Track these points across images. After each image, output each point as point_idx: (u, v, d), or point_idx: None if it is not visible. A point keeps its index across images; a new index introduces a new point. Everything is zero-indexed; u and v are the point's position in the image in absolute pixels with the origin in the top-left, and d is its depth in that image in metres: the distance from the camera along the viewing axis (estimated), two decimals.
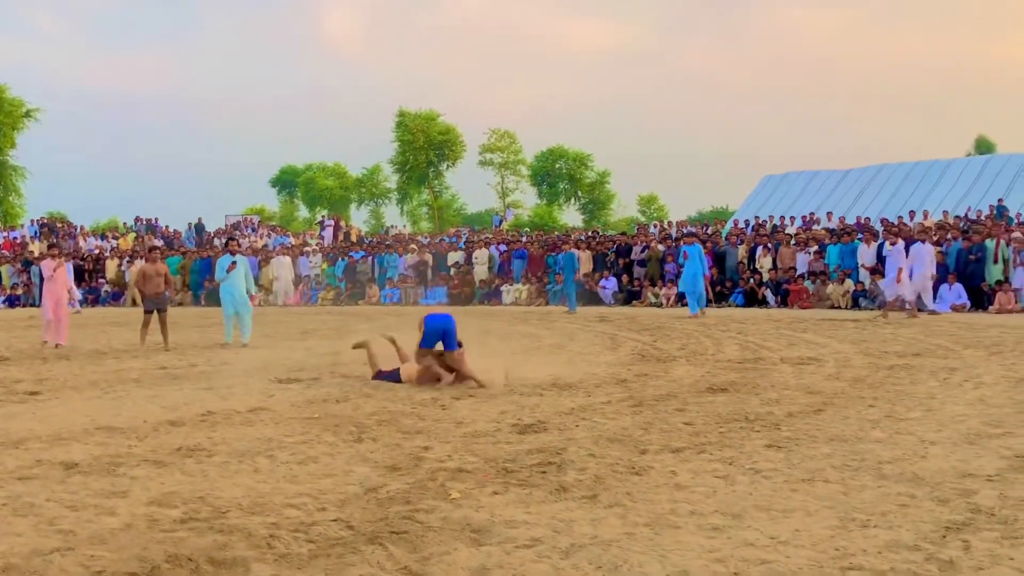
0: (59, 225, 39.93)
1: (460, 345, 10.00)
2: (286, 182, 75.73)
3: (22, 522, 5.00)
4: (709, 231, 28.94)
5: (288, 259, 29.66)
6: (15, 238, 37.76)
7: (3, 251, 34.98)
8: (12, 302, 31.10)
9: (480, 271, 28.75)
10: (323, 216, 49.99)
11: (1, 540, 4.65)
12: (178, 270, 30.98)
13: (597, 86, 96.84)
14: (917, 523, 4.80)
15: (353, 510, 5.22)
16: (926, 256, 19.34)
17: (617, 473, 5.98)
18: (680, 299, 24.48)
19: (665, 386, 9.83)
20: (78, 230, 39.50)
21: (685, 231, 30.34)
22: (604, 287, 25.94)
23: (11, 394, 9.87)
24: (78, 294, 14.85)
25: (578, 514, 5.07)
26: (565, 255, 24.25)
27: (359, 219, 69.92)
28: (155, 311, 14.42)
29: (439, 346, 10.03)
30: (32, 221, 42.04)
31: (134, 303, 15.03)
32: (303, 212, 74.15)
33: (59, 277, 15.34)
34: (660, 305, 24.13)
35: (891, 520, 4.86)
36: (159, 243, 37.56)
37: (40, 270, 15.47)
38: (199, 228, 39.81)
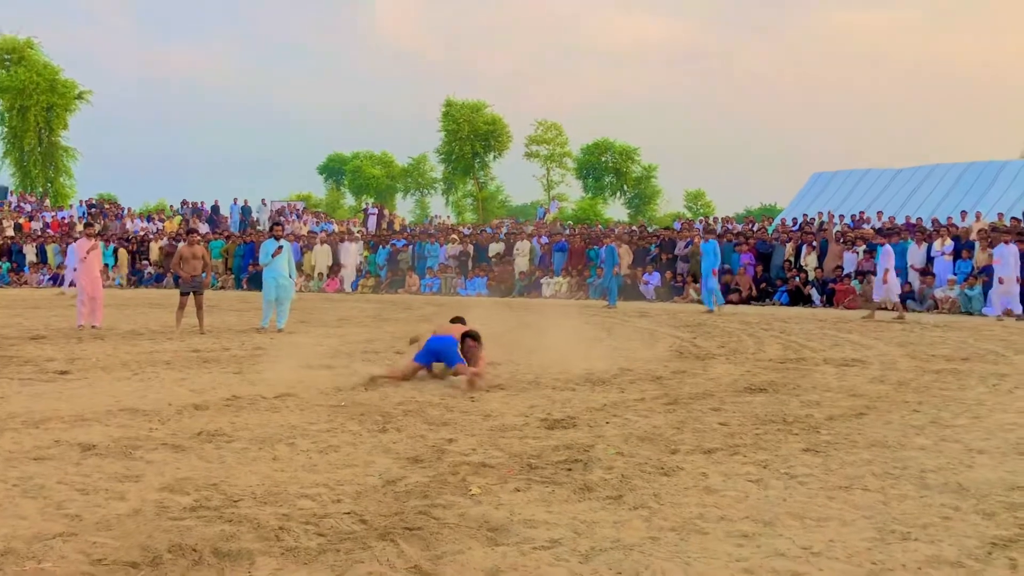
0: (107, 207, 40.47)
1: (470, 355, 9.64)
2: (333, 170, 76.28)
3: (30, 504, 4.90)
4: (755, 228, 28.41)
5: (354, 245, 29.61)
6: (63, 218, 38.32)
7: (51, 231, 35.50)
8: (57, 281, 31.54)
9: (520, 263, 28.52)
10: (367, 204, 50.10)
11: (5, 522, 4.55)
12: (221, 253, 31.23)
13: (646, 80, 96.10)
14: (961, 537, 4.51)
15: (368, 503, 5.05)
16: (1010, 257, 18.73)
17: (645, 473, 5.74)
18: (723, 296, 24.09)
19: (702, 384, 9.55)
20: (125, 212, 39.97)
21: (703, 227, 29.90)
22: (647, 282, 25.60)
23: (41, 373, 9.87)
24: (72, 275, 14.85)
25: (601, 515, 4.85)
26: (606, 249, 23.95)
27: (404, 209, 70.20)
28: (192, 293, 14.43)
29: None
30: (80, 202, 42.70)
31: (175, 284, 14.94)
32: (349, 200, 74.54)
33: (93, 258, 15.36)
34: (702, 302, 23.72)
35: (933, 533, 4.57)
36: (204, 227, 37.89)
37: (74, 249, 15.46)
38: (245, 211, 40.00)
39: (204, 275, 14.71)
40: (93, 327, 14.89)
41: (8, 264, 33.86)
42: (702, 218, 39.51)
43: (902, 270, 22.31)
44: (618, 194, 67.00)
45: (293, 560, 4.17)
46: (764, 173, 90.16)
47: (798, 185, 43.61)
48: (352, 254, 29.04)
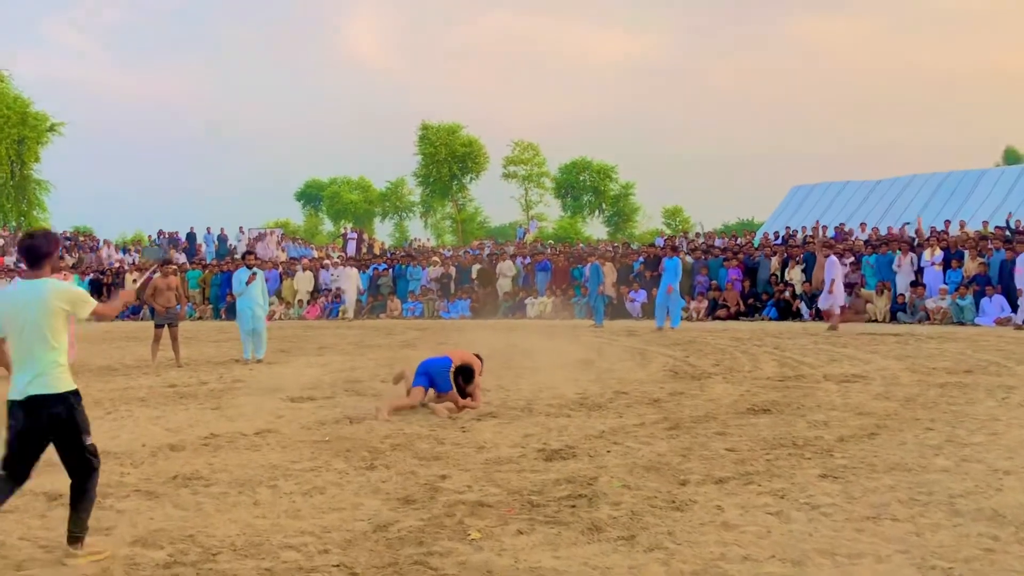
0: (82, 239, 39.75)
1: (463, 384, 9.22)
2: (311, 195, 75.75)
3: None
4: (740, 243, 28.15)
5: (355, 271, 28.73)
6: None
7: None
8: None
9: (504, 284, 28.09)
10: (346, 229, 49.61)
11: None
12: (199, 283, 30.66)
13: (621, 98, 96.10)
14: (1008, 573, 4.14)
15: (359, 552, 4.62)
16: None
17: (656, 508, 5.34)
18: (710, 312, 23.77)
19: (702, 406, 9.17)
20: (101, 244, 39.26)
21: (661, 243, 29.63)
22: (632, 299, 25.25)
23: None
24: None
25: (614, 559, 4.45)
26: (591, 267, 23.60)
27: (383, 232, 69.68)
28: (167, 326, 13.92)
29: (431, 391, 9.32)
30: None
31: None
32: (328, 226, 74.00)
33: None
34: (690, 319, 23.40)
35: (977, 568, 4.20)
36: (181, 257, 37.28)
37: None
38: (221, 240, 39.41)
39: (179, 307, 14.22)
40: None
41: None
42: (682, 233, 39.25)
43: (891, 282, 22.09)
44: (597, 212, 66.83)
45: None
46: (741, 188, 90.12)
47: (776, 199, 43.48)
48: (352, 279, 28.13)
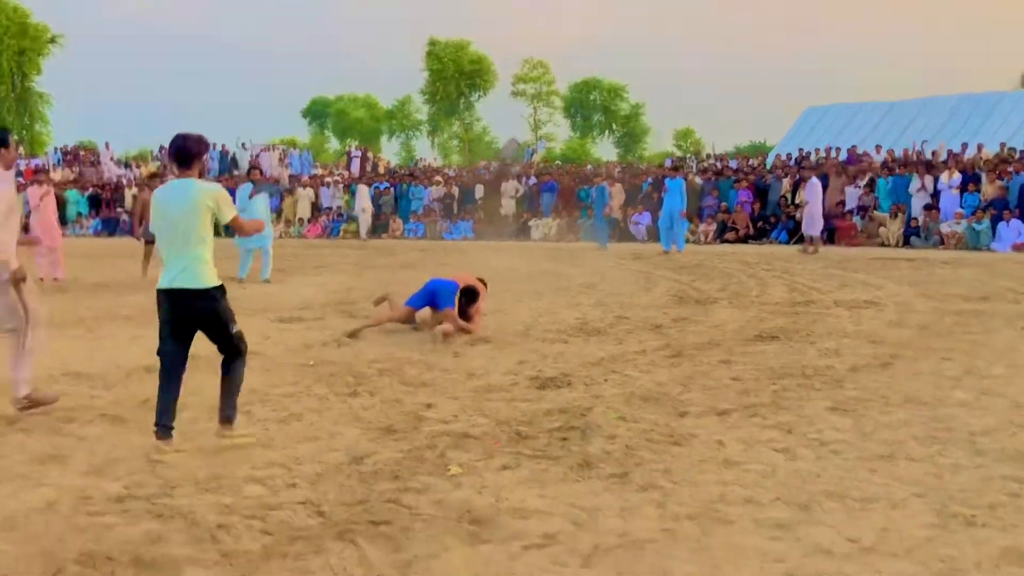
0: (82, 152, 39.12)
1: (464, 303, 8.85)
2: (317, 113, 74.69)
3: None
4: (753, 164, 27.42)
5: (366, 188, 27.29)
6: (36, 166, 36.97)
7: (23, 180, 34.19)
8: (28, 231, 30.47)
9: (508, 205, 27.51)
10: (351, 147, 48.85)
11: None
12: None
13: (634, 15, 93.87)
14: None
15: (328, 487, 4.27)
16: None
17: (652, 443, 4.97)
18: (719, 235, 23.26)
19: (706, 332, 8.77)
20: (101, 157, 38.57)
21: (669, 164, 28.80)
22: (637, 223, 24.72)
23: None
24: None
25: (605, 499, 4.09)
26: (597, 188, 23.00)
27: (390, 151, 68.86)
28: (155, 242, 13.48)
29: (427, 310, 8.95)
30: (55, 149, 41.36)
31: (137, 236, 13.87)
32: (334, 144, 73.09)
33: (46, 206, 14.29)
34: (698, 242, 22.90)
35: (1002, 516, 3.83)
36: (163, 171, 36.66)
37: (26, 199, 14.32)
38: (223, 157, 38.61)
39: None
40: (55, 279, 13.90)
41: None
42: (692, 154, 38.46)
43: (906, 205, 21.50)
44: (607, 133, 65.80)
45: (229, 571, 3.39)
46: (752, 110, 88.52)
47: (788, 121, 42.49)
48: (366, 197, 27.03)
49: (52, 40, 47.22)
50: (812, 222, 19.32)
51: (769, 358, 7.38)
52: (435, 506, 4.01)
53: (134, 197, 31.71)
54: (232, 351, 5.11)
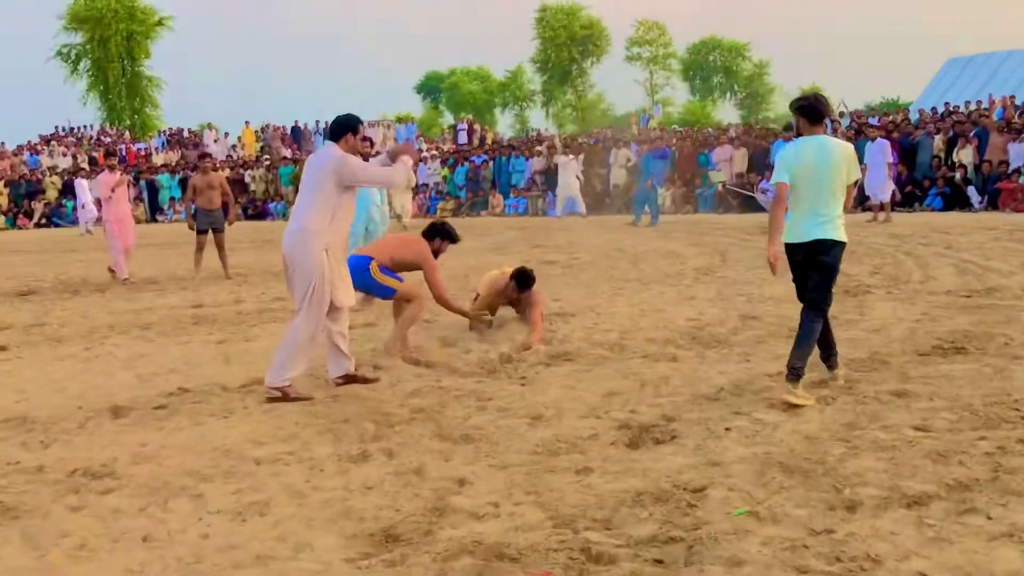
0: (186, 135, 38.71)
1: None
2: (431, 88, 73.78)
3: None
4: (895, 120, 24.27)
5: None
6: (139, 150, 36.77)
7: (128, 164, 33.88)
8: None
9: (618, 175, 25.12)
10: (458, 120, 47.32)
11: None
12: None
13: None
14: None
15: None
16: None
17: (805, 574, 2.94)
18: (859, 203, 20.45)
19: (864, 340, 6.58)
20: (211, 136, 37.96)
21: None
22: (765, 190, 22.12)
23: None
24: (94, 212, 11.63)
25: None
26: (643, 158, 20.45)
27: (504, 124, 67.22)
28: (210, 231, 12.01)
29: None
30: (160, 132, 41.19)
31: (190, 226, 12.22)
32: (448, 119, 71.98)
33: (120, 195, 12.45)
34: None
35: None
36: (286, 151, 35.78)
37: (79, 186, 12.81)
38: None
39: (225, 209, 12.23)
40: (125, 280, 12.18)
41: (74, 203, 32.35)
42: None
43: None
44: (728, 95, 62.38)
45: None
46: (884, 64, 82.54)
47: (924, 76, 38.61)
48: (431, 174, 25.39)
49: (160, 22, 47.23)
50: (878, 186, 17.16)
51: (961, 386, 5.19)
52: None
53: (227, 179, 30.93)
54: (814, 303, 5.27)
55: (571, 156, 23.29)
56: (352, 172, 5.42)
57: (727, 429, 4.60)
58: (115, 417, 5.26)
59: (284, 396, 5.34)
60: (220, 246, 12.10)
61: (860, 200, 19.45)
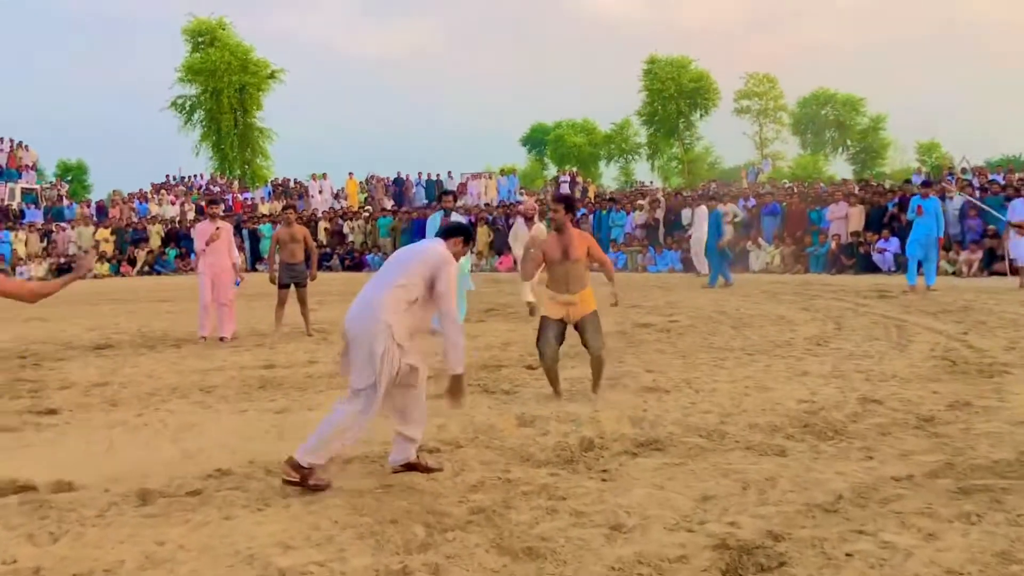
0: (292, 185, 39.28)
1: None
2: (536, 140, 74.16)
3: None
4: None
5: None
6: (246, 199, 37.44)
7: (234, 213, 34.50)
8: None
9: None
10: (560, 172, 46.95)
11: None
12: (389, 232, 28.86)
13: (866, 26, 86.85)
14: None
15: None
16: None
17: None
18: (986, 265, 18.98)
19: (1007, 435, 5.59)
20: (310, 190, 38.51)
21: (919, 180, 23.97)
22: (883, 250, 20.79)
23: (31, 409, 7.24)
24: (238, 260, 10.78)
25: None
26: (713, 214, 19.18)
27: (609, 176, 66.75)
28: (292, 286, 11.62)
29: None
30: (268, 182, 41.95)
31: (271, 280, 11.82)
32: (552, 171, 72.02)
33: (220, 247, 11.52)
34: (958, 273, 18.80)
35: None
36: (389, 203, 35.89)
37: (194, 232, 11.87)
38: (430, 184, 37.27)
39: (308, 263, 11.81)
40: (221, 339, 11.35)
41: (176, 251, 32.94)
42: (947, 170, 33.35)
43: None
44: (840, 149, 60.45)
45: None
46: (1006, 120, 78.90)
47: None
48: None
49: (272, 75, 48.47)
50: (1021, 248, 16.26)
51: None
52: None
53: (325, 230, 31.03)
54: None
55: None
56: (449, 277, 5.10)
57: (848, 555, 3.75)
58: (141, 503, 4.72)
59: (301, 479, 4.78)
60: (303, 301, 11.70)
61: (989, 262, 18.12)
